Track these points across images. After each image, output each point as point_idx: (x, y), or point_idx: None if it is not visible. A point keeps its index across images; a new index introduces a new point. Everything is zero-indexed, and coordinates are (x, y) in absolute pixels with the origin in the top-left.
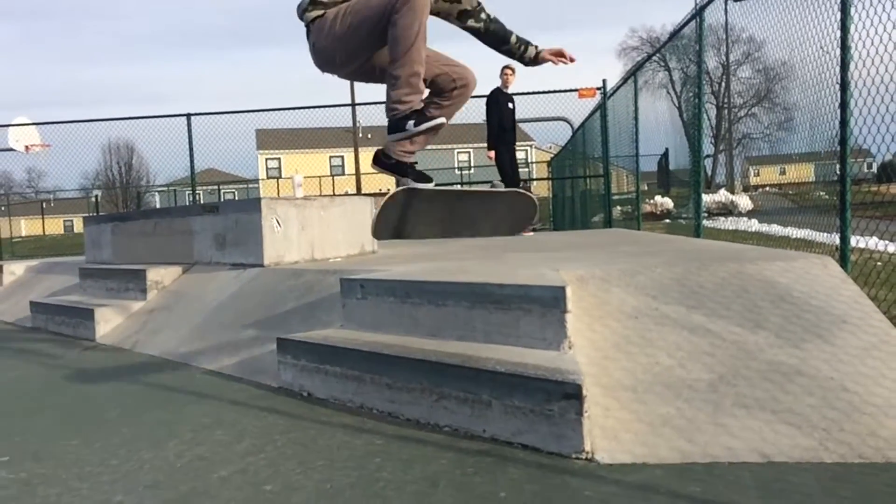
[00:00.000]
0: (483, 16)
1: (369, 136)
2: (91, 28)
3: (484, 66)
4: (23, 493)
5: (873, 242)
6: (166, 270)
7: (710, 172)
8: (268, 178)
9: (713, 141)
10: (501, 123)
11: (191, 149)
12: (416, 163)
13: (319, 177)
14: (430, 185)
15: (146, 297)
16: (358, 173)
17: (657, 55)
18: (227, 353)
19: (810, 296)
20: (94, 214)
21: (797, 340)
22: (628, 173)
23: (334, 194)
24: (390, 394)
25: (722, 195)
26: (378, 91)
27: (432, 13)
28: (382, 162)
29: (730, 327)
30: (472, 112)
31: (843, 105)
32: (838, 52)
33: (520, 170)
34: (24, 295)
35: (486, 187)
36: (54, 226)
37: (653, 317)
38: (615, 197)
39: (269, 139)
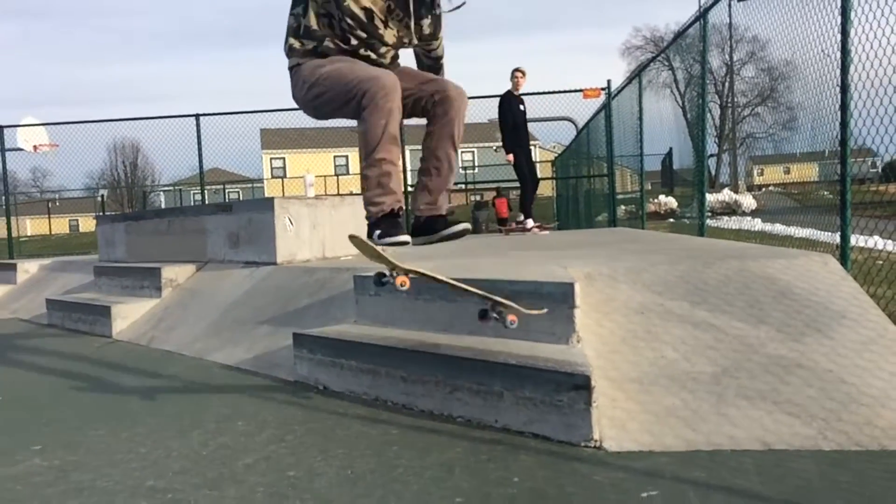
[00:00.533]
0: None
1: None
2: (91, 26)
3: (496, 69)
4: (58, 478)
5: (877, 242)
6: (181, 268)
7: (713, 172)
8: (272, 177)
9: (717, 140)
10: (515, 126)
11: (199, 149)
12: (399, 212)
13: (325, 176)
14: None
15: (161, 295)
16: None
17: (661, 55)
18: (242, 348)
19: (811, 292)
20: (108, 214)
21: (798, 335)
22: (632, 172)
23: (339, 194)
24: (405, 386)
25: (726, 194)
26: None
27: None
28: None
29: (733, 322)
30: (476, 111)
31: (844, 107)
32: (839, 55)
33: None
34: (38, 293)
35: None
36: (60, 225)
37: (658, 312)
38: (619, 196)
39: (273, 139)
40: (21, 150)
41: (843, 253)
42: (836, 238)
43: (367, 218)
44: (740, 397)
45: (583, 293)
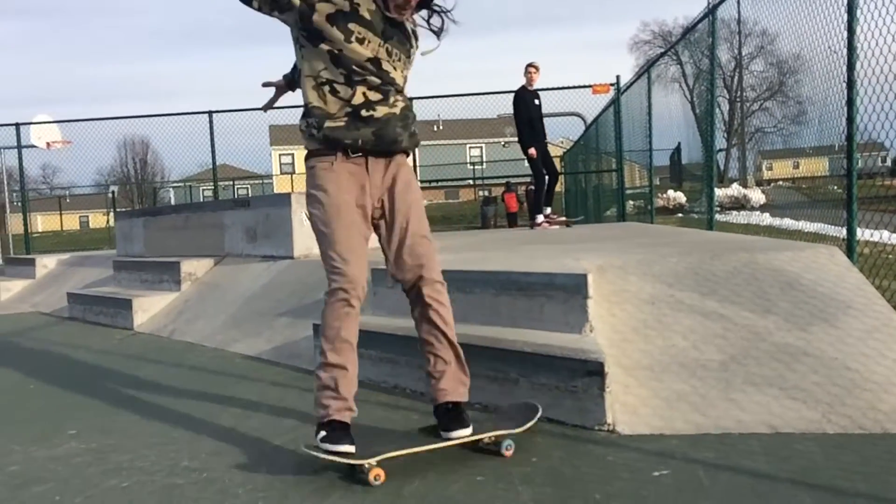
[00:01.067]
0: None
1: None
2: (99, 24)
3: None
4: (97, 460)
5: (885, 236)
6: (199, 262)
7: (722, 167)
8: (281, 173)
9: (725, 135)
10: (530, 120)
11: (212, 145)
12: (345, 420)
13: None
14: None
15: (181, 288)
16: None
17: (669, 51)
18: (263, 339)
19: (817, 283)
20: (126, 210)
21: (804, 324)
22: (641, 167)
23: None
24: (424, 374)
25: (734, 189)
26: None
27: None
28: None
29: (741, 312)
30: (484, 107)
31: (850, 102)
32: (845, 51)
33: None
34: (58, 287)
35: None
36: (70, 221)
37: (668, 303)
38: (628, 191)
39: (282, 135)
40: (34, 147)
41: (849, 246)
42: (844, 232)
43: (315, 416)
44: (748, 383)
45: (595, 284)
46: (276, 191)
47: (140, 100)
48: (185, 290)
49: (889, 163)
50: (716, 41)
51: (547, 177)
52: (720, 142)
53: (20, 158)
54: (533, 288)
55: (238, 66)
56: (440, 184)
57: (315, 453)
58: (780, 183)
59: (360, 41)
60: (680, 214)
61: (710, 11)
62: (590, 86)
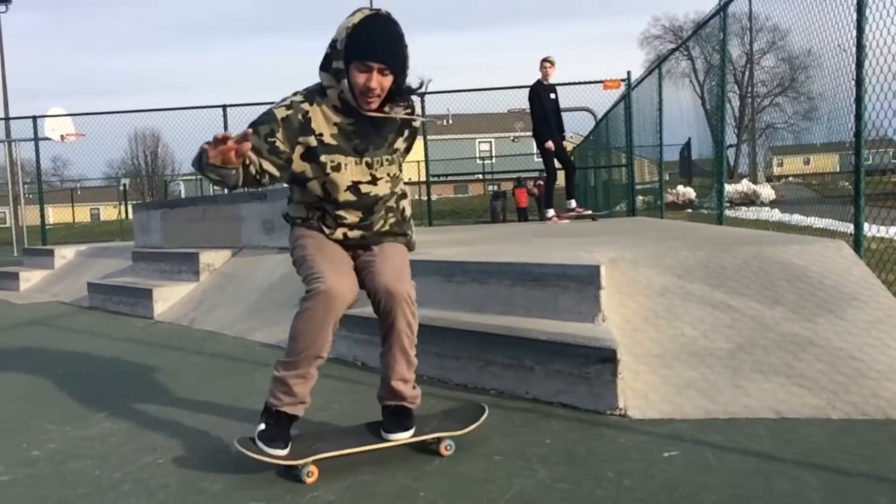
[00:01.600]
0: None
1: None
2: (111, 15)
3: (518, 57)
4: (130, 438)
5: (894, 231)
6: (217, 254)
7: (732, 162)
8: None
9: (736, 131)
10: (545, 115)
11: None
12: (292, 418)
13: None
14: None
15: (199, 279)
16: None
17: (681, 47)
18: (282, 328)
19: (824, 276)
20: (144, 202)
21: (810, 315)
22: (650, 162)
23: None
24: (439, 361)
25: (744, 185)
26: None
27: None
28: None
29: (749, 303)
30: (494, 102)
31: (859, 100)
32: (854, 50)
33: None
34: (77, 277)
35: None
36: (80, 214)
37: (678, 294)
38: (638, 186)
39: None
40: (49, 139)
41: (856, 240)
42: (852, 227)
43: (265, 404)
44: (755, 371)
45: (607, 276)
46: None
47: (148, 93)
48: (204, 281)
49: None
50: (727, 37)
51: (563, 171)
52: (730, 137)
53: (37, 151)
54: (547, 279)
55: (250, 59)
56: (449, 178)
57: (245, 451)
58: (791, 179)
59: (335, 169)
60: (689, 210)
61: (722, 8)
62: (601, 81)
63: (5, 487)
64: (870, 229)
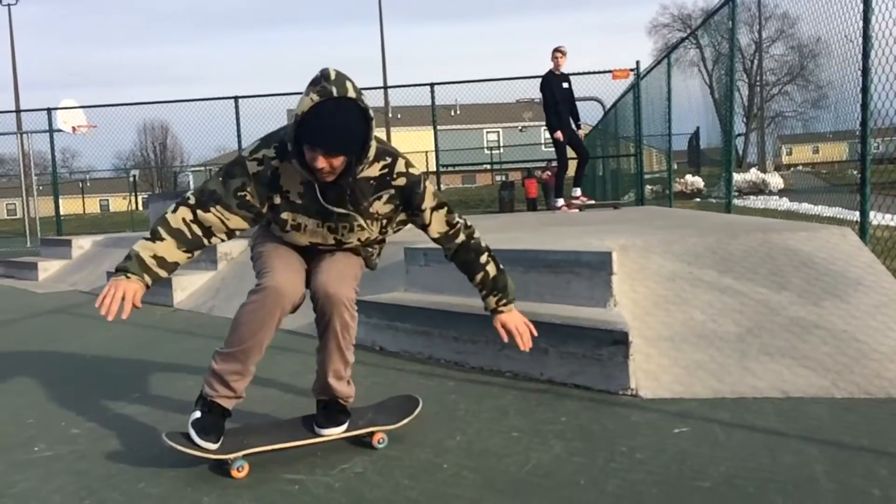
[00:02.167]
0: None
1: (398, 115)
2: (118, 6)
3: (527, 47)
4: (163, 418)
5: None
6: (234, 243)
7: (741, 151)
8: None
9: (745, 119)
10: (556, 105)
11: (238, 131)
12: (225, 412)
13: None
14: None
15: (217, 268)
16: None
17: (689, 36)
18: (299, 314)
19: (830, 262)
20: (158, 192)
21: (816, 299)
22: (658, 152)
23: None
24: (457, 345)
25: (753, 174)
26: (409, 75)
27: None
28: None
29: (756, 288)
30: (502, 91)
31: (865, 89)
32: (860, 40)
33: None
34: (95, 267)
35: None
36: (91, 205)
37: (688, 279)
38: (646, 176)
39: None
40: (61, 131)
41: (861, 227)
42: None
43: (200, 394)
44: (762, 353)
45: (619, 262)
46: None
47: (156, 84)
48: (222, 269)
49: None
50: (735, 25)
51: (576, 160)
52: (739, 126)
53: (52, 143)
54: (560, 265)
55: (259, 50)
56: (457, 168)
57: (174, 444)
58: (800, 167)
59: (296, 228)
60: (698, 199)
61: None
62: (610, 71)
63: (50, 462)
64: (875, 217)
